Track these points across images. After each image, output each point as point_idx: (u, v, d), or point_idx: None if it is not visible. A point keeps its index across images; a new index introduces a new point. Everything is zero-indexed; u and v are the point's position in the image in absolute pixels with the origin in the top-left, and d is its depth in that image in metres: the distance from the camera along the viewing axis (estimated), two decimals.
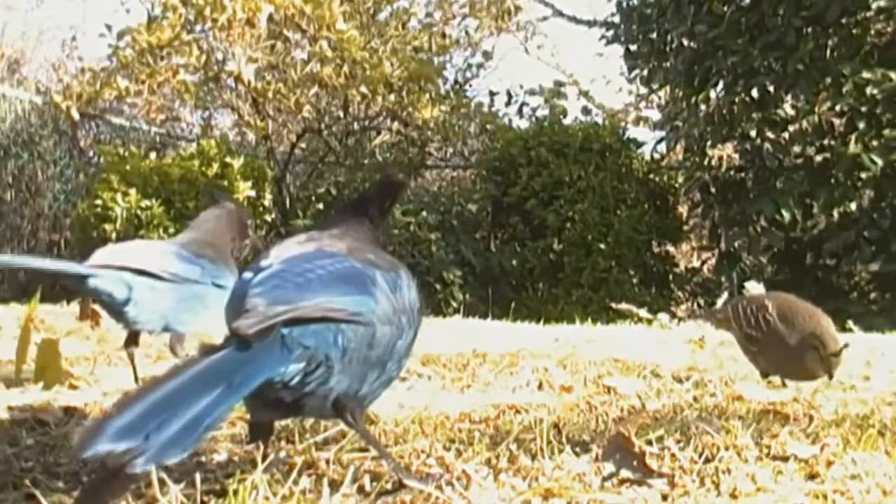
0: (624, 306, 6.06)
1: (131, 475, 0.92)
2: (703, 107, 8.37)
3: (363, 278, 1.25)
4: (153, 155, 8.19)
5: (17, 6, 15.66)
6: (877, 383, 2.64)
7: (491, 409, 1.99)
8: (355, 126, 9.77)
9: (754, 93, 7.96)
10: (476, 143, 10.38)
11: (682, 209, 9.63)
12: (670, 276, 9.23)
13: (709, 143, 8.39)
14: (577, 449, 1.48)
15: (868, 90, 7.19)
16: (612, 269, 8.58)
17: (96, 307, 3.07)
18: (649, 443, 1.44)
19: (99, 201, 7.26)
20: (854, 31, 7.73)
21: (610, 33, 9.75)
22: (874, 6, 7.38)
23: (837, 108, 7.45)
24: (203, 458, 1.43)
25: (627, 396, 2.23)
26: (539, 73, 20.35)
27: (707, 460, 1.42)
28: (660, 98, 11.61)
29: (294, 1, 7.91)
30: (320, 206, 8.96)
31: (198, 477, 1.21)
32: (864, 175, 7.43)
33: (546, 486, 1.27)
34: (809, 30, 7.74)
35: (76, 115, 8.50)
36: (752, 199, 7.93)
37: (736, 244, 8.32)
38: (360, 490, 1.25)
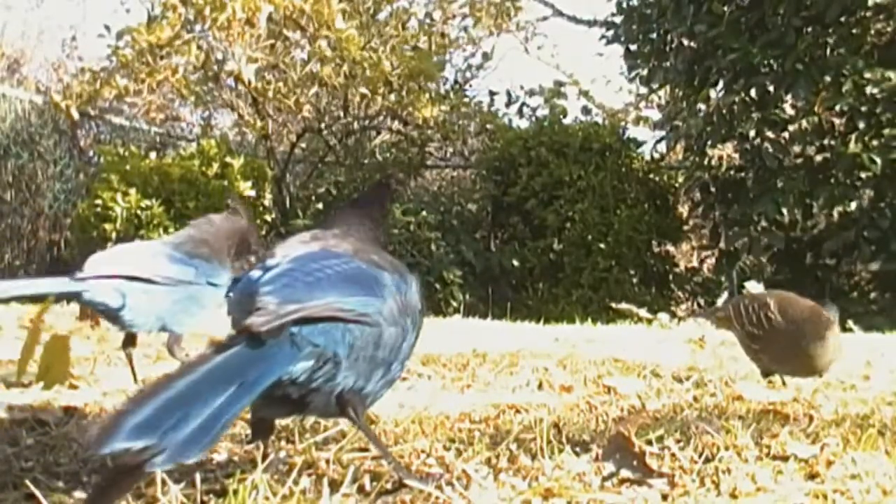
0: (624, 306, 6.07)
1: (141, 473, 0.91)
2: (702, 106, 8.36)
3: (370, 279, 1.26)
4: (153, 155, 8.21)
5: (16, 6, 15.65)
6: (877, 383, 2.64)
7: (491, 408, 1.99)
8: (355, 126, 9.75)
9: (754, 92, 7.96)
10: (476, 142, 10.36)
11: (682, 209, 9.63)
12: (670, 276, 9.22)
13: (709, 142, 8.38)
14: (577, 449, 1.48)
15: (868, 89, 7.19)
16: (612, 269, 8.58)
17: None
18: (649, 443, 1.44)
19: (99, 201, 7.27)
20: (854, 30, 7.72)
21: (610, 33, 9.73)
22: (871, 3, 7.38)
23: (837, 107, 7.44)
24: (203, 458, 1.43)
25: (627, 396, 2.23)
26: (539, 73, 20.30)
27: (707, 460, 1.42)
28: (660, 98, 11.61)
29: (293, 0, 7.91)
30: (320, 205, 8.96)
31: (198, 477, 1.21)
32: (863, 175, 7.43)
33: (546, 485, 1.27)
34: (809, 29, 7.74)
35: (76, 115, 8.50)
36: (753, 199, 7.92)
37: (736, 244, 8.32)
38: (361, 490, 1.25)
